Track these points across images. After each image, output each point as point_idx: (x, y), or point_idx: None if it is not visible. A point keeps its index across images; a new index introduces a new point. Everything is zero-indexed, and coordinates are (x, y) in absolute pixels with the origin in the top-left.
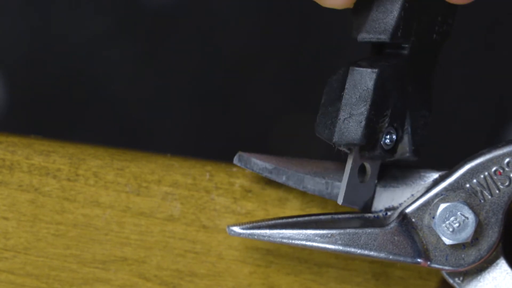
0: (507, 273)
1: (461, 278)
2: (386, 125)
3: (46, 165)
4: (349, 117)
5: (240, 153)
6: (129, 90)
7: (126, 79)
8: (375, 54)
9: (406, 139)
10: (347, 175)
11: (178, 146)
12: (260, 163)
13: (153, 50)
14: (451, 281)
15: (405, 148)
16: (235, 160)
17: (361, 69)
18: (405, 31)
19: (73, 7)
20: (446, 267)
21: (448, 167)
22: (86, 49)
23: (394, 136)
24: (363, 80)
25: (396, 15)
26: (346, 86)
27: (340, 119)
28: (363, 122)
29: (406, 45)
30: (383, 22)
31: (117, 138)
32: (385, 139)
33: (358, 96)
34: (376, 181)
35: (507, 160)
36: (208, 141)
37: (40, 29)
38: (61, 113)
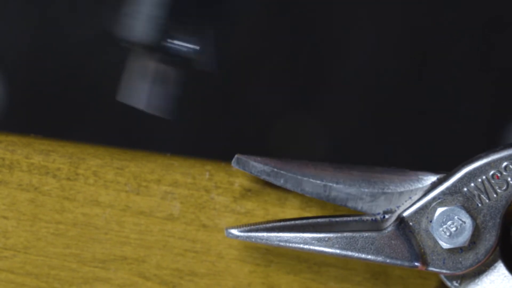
0: (505, 276)
1: (458, 281)
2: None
3: (45, 164)
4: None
5: (238, 155)
6: None
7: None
8: None
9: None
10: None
11: (178, 146)
12: (258, 165)
13: None
14: (449, 284)
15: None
16: (234, 163)
17: None
18: None
19: (73, 7)
20: (444, 271)
21: (447, 170)
22: (86, 49)
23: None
24: None
25: None
26: None
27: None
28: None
29: None
30: None
31: (117, 137)
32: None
33: None
34: (177, 88)
35: (504, 164)
36: (208, 141)
37: (40, 29)
38: (61, 113)
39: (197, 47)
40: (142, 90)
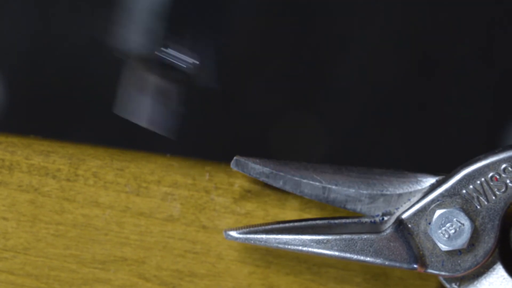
0: (504, 278)
1: (457, 283)
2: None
3: (45, 165)
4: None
5: (237, 157)
6: None
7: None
8: None
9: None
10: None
11: (177, 147)
12: (257, 167)
13: None
14: (448, 286)
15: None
16: (232, 164)
17: None
18: None
19: (73, 7)
20: (443, 273)
21: (446, 172)
22: (86, 49)
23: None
24: None
25: None
26: None
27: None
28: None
29: None
30: None
31: (117, 138)
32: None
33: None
34: (179, 107)
35: (503, 166)
36: (208, 141)
37: (40, 29)
38: (61, 113)
39: (196, 62)
40: (143, 105)
